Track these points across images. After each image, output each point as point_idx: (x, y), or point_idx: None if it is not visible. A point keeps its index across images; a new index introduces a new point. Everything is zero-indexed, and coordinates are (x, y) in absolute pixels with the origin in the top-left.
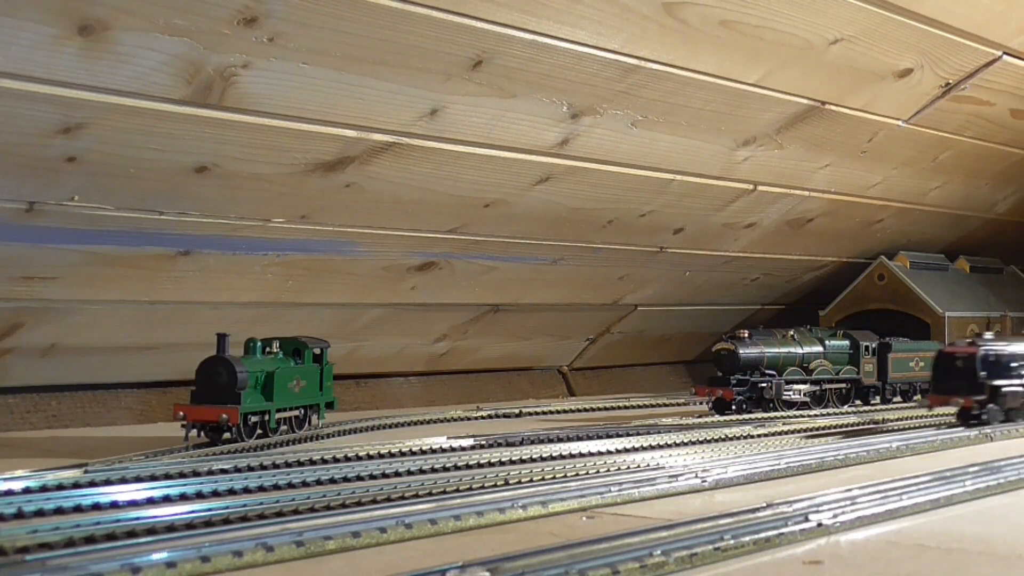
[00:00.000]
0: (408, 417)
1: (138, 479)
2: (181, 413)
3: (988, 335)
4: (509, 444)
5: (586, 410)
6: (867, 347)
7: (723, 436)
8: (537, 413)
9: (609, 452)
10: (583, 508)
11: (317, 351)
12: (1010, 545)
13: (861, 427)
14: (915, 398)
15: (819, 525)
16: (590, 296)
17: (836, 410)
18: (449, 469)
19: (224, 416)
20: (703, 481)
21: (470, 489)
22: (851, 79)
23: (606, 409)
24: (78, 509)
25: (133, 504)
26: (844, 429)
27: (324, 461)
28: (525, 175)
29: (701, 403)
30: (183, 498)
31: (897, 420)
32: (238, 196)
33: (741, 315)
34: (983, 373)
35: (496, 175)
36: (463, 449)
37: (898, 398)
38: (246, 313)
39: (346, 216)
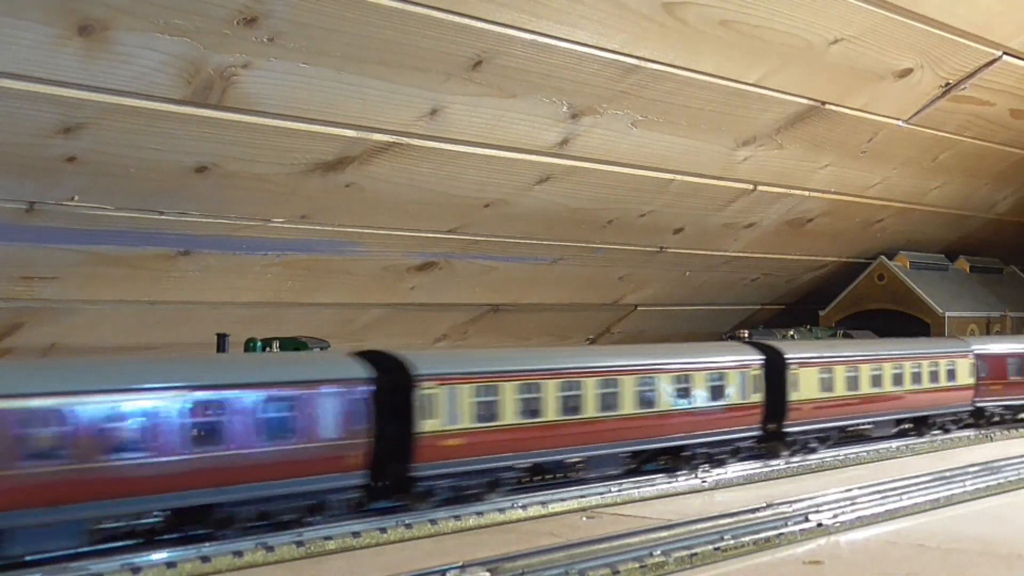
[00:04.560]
0: None
1: None
2: None
3: None
4: None
5: None
6: None
7: None
8: None
9: None
10: (583, 508)
11: (317, 351)
12: (1010, 545)
13: None
14: None
15: (819, 525)
16: (590, 296)
17: None
18: None
19: None
20: (703, 481)
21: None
22: (851, 79)
23: None
24: None
25: None
26: None
27: None
28: (525, 175)
29: None
30: None
31: None
32: (238, 196)
33: (741, 315)
34: None
35: (496, 175)
36: None
37: None
38: (246, 313)
39: (346, 216)
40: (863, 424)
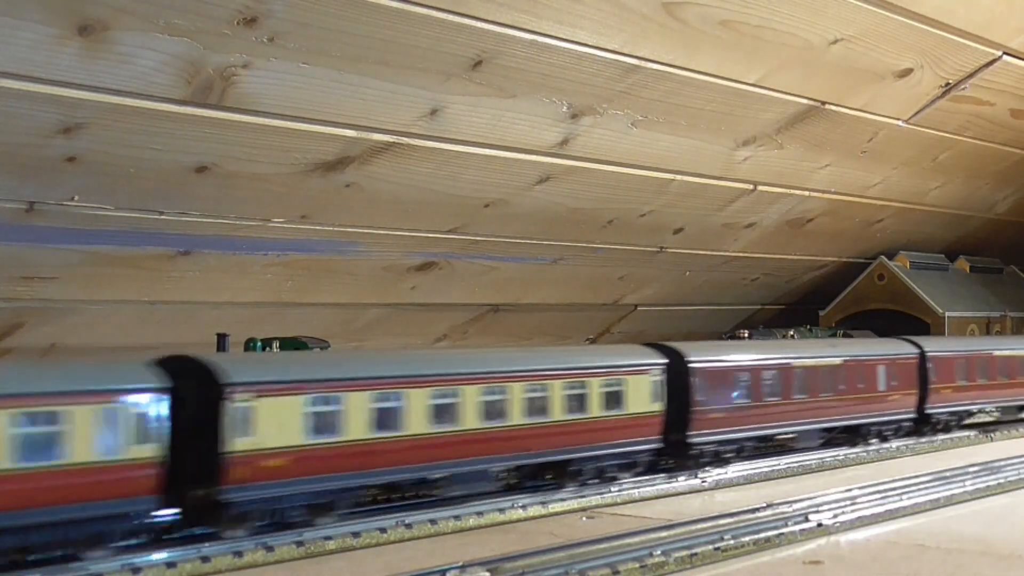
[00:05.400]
0: None
1: None
2: None
3: None
4: None
5: None
6: None
7: None
8: None
9: None
10: (583, 508)
11: (317, 351)
12: (1010, 545)
13: None
14: None
15: (819, 525)
16: (590, 296)
17: None
18: None
19: None
20: (703, 481)
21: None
22: (851, 79)
23: None
24: None
25: None
26: None
27: None
28: (525, 175)
29: None
30: None
31: None
32: (238, 196)
33: (741, 315)
34: None
35: (496, 175)
36: None
37: None
38: (246, 313)
39: (346, 216)
40: (410, 479)
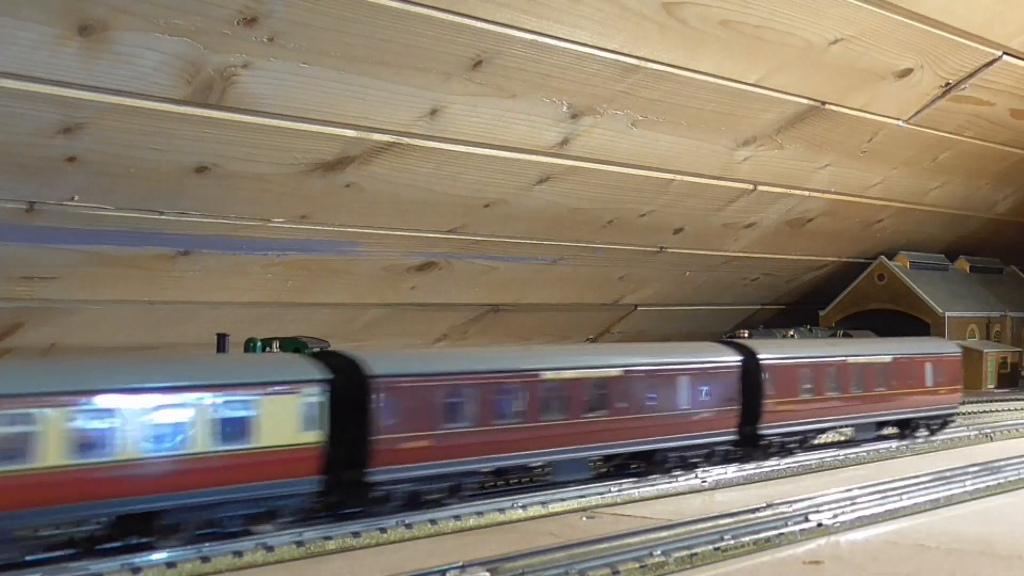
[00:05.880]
0: None
1: None
2: None
3: None
4: None
5: None
6: None
7: None
8: None
9: None
10: (583, 508)
11: (316, 351)
12: (1010, 545)
13: None
14: None
15: (819, 525)
16: (590, 296)
17: None
18: None
19: None
20: (703, 481)
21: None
22: (851, 79)
23: None
24: None
25: None
26: None
27: None
28: (525, 175)
29: None
30: None
31: None
32: (238, 196)
33: (741, 315)
34: None
35: (496, 175)
36: None
37: None
38: (246, 313)
39: (346, 216)
40: None
